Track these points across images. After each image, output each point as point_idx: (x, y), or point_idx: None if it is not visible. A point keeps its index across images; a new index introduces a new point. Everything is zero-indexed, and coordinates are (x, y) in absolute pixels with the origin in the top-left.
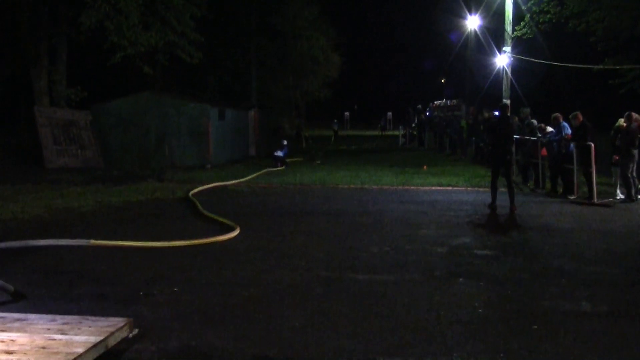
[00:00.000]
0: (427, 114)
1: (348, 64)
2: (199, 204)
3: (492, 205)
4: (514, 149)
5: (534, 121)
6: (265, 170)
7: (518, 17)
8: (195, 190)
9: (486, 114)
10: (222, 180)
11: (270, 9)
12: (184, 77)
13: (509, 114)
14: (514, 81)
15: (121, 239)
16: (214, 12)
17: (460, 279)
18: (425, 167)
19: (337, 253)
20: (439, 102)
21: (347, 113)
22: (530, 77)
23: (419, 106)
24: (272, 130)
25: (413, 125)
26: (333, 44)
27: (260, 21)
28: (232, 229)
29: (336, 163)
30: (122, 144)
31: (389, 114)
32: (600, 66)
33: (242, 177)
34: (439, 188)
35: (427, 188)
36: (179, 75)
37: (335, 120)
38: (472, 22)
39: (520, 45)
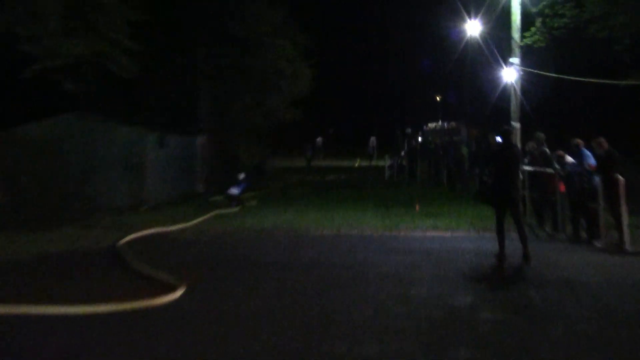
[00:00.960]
0: (420, 139)
1: (322, 78)
2: (131, 257)
3: (500, 255)
4: (521, 182)
5: (547, 149)
6: (217, 211)
7: (527, 22)
8: (128, 238)
9: (491, 140)
10: (162, 225)
11: (225, 11)
12: (116, 95)
13: (513, 140)
14: (523, 100)
15: (28, 303)
16: (154, 15)
17: (462, 351)
18: (417, 206)
19: (308, 318)
20: (433, 124)
21: (319, 139)
22: (540, 94)
23: (409, 130)
24: (227, 161)
25: (402, 153)
26: (303, 54)
27: (213, 26)
28: (173, 288)
29: (307, 201)
30: (36, 180)
31: (373, 139)
32: (631, 81)
33: (188, 221)
34: (434, 233)
35: (420, 233)
36: (109, 92)
37: (310, 146)
38: (472, 28)
39: (529, 56)
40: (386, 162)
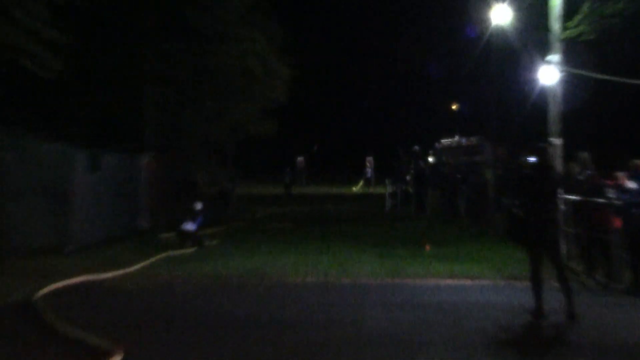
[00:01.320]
0: (431, 159)
1: (304, 81)
2: (52, 314)
3: (537, 312)
4: (561, 216)
5: (593, 173)
6: (167, 253)
7: (569, 10)
8: (48, 289)
9: (523, 160)
10: (94, 272)
11: None
12: (33, 101)
13: (550, 161)
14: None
15: None
16: None
17: None
18: (428, 246)
19: None
20: (448, 141)
21: (300, 159)
22: (579, 100)
23: (417, 148)
24: (180, 188)
25: (408, 177)
26: (280, 50)
27: (162, 13)
28: (107, 355)
29: (285, 240)
30: None
31: (370, 159)
32: None
33: (129, 266)
34: (450, 282)
35: (431, 281)
36: (23, 98)
37: (289, 169)
38: (499, 15)
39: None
40: (387, 189)
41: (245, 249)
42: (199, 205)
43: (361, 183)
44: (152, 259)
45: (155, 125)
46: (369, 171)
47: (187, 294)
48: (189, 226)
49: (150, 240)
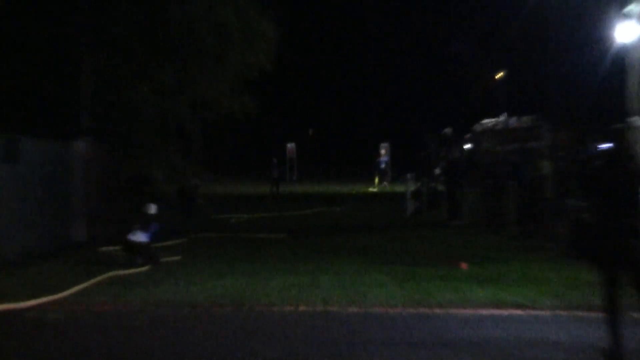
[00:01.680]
0: (467, 147)
1: (295, 44)
2: None
3: (612, 352)
4: None
5: None
6: (110, 273)
7: None
8: None
9: (593, 149)
10: (11, 299)
11: None
12: None
13: (632, 148)
14: None
15: None
16: None
17: None
18: (464, 264)
19: None
20: (491, 121)
21: (290, 145)
22: None
23: (448, 130)
24: (128, 186)
25: (436, 171)
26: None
27: None
28: None
29: (270, 255)
30: None
31: (384, 147)
32: None
33: (58, 292)
34: (494, 312)
35: (468, 312)
36: None
37: (275, 160)
38: None
39: None
40: (408, 188)
41: (217, 267)
42: (152, 209)
43: (377, 180)
44: (91, 281)
45: (96, 102)
46: (383, 162)
47: (137, 328)
48: (140, 237)
49: (88, 255)
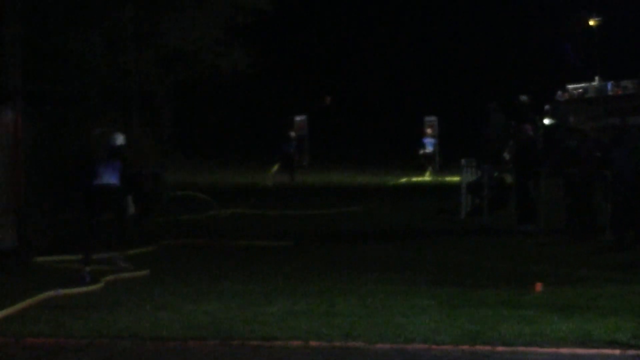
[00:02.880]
0: (546, 122)
1: None
2: None
3: None
4: None
5: None
6: (50, 293)
7: None
8: None
9: None
10: None
11: None
12: None
13: None
14: None
15: None
16: None
17: None
18: (538, 285)
19: None
20: (579, 87)
21: (300, 118)
22: None
23: (523, 98)
24: (75, 170)
25: (505, 155)
26: None
27: None
28: None
29: (269, 269)
30: None
31: (431, 122)
32: None
33: None
34: (580, 351)
35: (544, 350)
36: None
37: (293, 135)
38: None
39: None
40: (463, 179)
41: (197, 286)
42: (119, 139)
43: (426, 165)
44: (22, 304)
45: (27, 55)
46: (429, 143)
47: None
48: (109, 178)
49: (19, 268)
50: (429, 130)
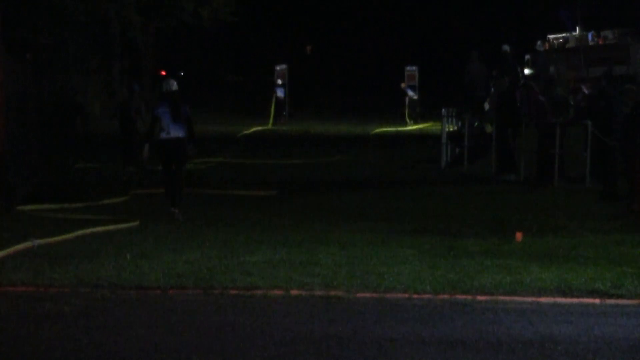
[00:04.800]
0: (527, 72)
1: None
2: None
3: None
4: None
5: None
6: (29, 243)
7: None
8: None
9: None
10: None
11: None
12: None
13: None
14: None
15: None
16: None
17: None
18: (519, 234)
19: None
20: (561, 37)
21: (280, 67)
22: None
23: (506, 47)
24: (57, 117)
25: (485, 105)
26: None
27: None
28: None
29: (255, 220)
30: None
31: (410, 72)
32: None
33: None
34: (561, 301)
35: (525, 299)
36: None
37: (280, 83)
38: None
39: None
40: (444, 127)
41: (178, 235)
42: (174, 84)
43: (407, 113)
44: (2, 253)
45: (6, 5)
46: (408, 90)
47: (66, 316)
48: (178, 131)
49: (2, 217)
50: (406, 79)
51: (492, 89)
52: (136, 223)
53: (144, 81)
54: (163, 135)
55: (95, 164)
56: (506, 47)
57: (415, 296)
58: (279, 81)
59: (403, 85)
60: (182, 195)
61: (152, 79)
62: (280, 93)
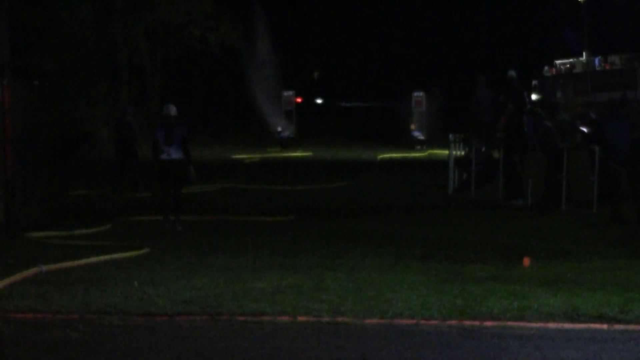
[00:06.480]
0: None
1: None
2: None
3: None
4: None
5: None
6: (37, 269)
7: None
8: None
9: None
10: None
11: None
12: None
13: None
14: None
15: None
16: None
17: None
18: (526, 259)
19: None
20: (568, 62)
21: (288, 93)
22: None
23: (512, 73)
24: (64, 146)
25: (499, 133)
26: None
27: None
28: None
29: (260, 244)
30: None
31: (418, 97)
32: None
33: None
34: (568, 325)
35: (531, 325)
36: None
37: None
38: None
39: None
40: (451, 153)
41: (185, 261)
42: (173, 110)
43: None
44: (10, 279)
45: (16, 27)
46: (415, 134)
47: (73, 343)
48: (174, 153)
49: (7, 243)
50: (412, 127)
51: (501, 115)
52: (146, 250)
53: (150, 107)
54: (163, 156)
55: (95, 190)
56: (512, 73)
57: (422, 322)
58: (279, 128)
59: (412, 127)
60: (180, 209)
61: (159, 104)
62: (285, 134)
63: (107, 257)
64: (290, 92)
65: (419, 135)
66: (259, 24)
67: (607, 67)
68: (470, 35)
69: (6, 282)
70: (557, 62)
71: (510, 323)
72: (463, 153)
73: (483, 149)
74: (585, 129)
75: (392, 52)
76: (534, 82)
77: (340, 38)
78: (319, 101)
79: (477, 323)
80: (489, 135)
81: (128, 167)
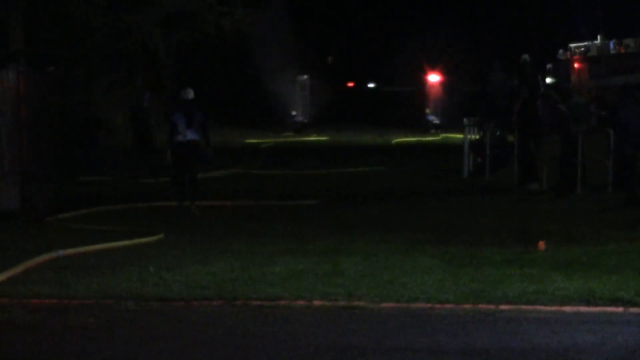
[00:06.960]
0: (548, 82)
1: None
2: None
3: None
4: None
5: None
6: (53, 254)
7: None
8: None
9: None
10: None
11: None
12: None
13: None
14: None
15: None
16: None
17: None
18: (541, 243)
19: None
20: (582, 46)
21: (302, 77)
22: None
23: (526, 57)
24: (79, 131)
25: (513, 117)
26: None
27: None
28: None
29: (277, 230)
30: None
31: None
32: None
33: None
34: (584, 309)
35: (547, 308)
36: None
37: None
38: None
39: None
40: (466, 137)
41: (202, 246)
42: (191, 93)
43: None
44: (26, 265)
45: (31, 16)
46: (430, 118)
47: (90, 329)
48: (190, 134)
49: (23, 229)
50: (427, 111)
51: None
52: (161, 236)
53: (164, 93)
54: (180, 138)
55: (107, 176)
56: (526, 57)
57: (438, 306)
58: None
59: (428, 111)
60: (197, 193)
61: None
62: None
63: (122, 243)
64: (304, 77)
65: (433, 119)
66: (273, 9)
67: (622, 51)
68: (484, 20)
69: (22, 267)
70: (572, 45)
71: (525, 307)
72: (477, 137)
73: (498, 133)
74: (600, 113)
75: (405, 35)
76: (549, 66)
77: (355, 23)
78: (370, 85)
79: (492, 307)
80: (503, 120)
81: (145, 152)
